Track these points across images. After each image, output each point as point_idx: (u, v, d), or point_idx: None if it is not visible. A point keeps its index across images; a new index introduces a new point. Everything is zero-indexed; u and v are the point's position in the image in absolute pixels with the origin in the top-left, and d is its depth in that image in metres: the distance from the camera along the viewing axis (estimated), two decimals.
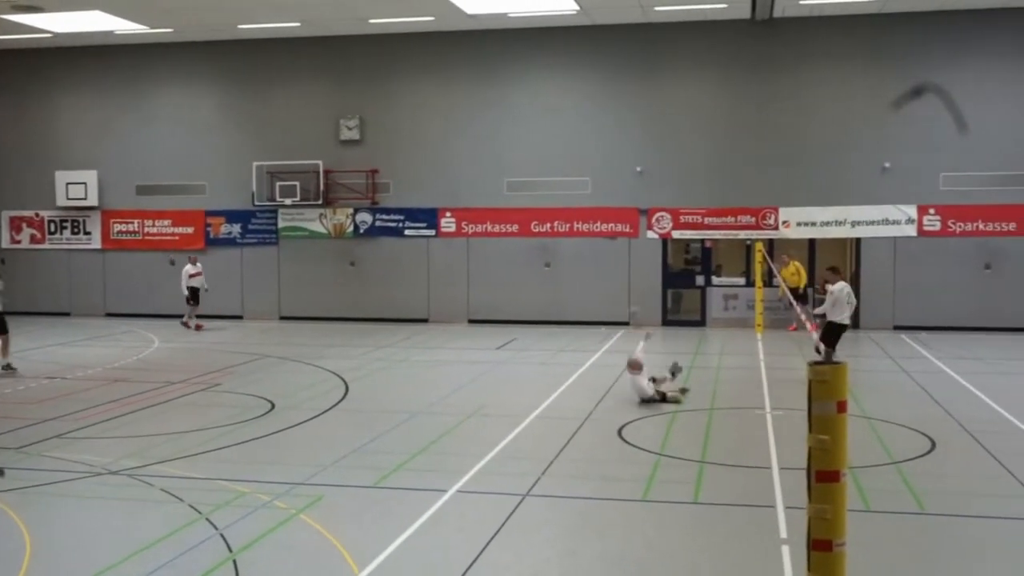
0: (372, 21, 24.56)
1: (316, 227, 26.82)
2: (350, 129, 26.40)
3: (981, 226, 23.64)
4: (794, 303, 21.05)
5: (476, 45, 25.68)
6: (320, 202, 26.34)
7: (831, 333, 16.41)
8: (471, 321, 25.79)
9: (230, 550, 8.34)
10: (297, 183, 26.22)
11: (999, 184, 23.48)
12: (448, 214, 26.08)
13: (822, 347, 15.29)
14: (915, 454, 11.63)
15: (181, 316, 25.23)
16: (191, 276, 24.99)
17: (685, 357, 19.92)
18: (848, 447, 5.12)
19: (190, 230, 27.58)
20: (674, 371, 15.89)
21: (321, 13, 23.84)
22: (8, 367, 17.81)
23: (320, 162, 26.27)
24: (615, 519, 9.35)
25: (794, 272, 23.74)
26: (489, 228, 25.88)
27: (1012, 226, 23.52)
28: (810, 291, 24.18)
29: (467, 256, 25.98)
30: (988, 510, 9.53)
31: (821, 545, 5.03)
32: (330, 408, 14.64)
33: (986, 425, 13.17)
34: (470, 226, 25.97)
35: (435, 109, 26.12)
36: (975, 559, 8.34)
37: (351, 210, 26.59)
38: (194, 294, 24.97)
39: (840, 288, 16.32)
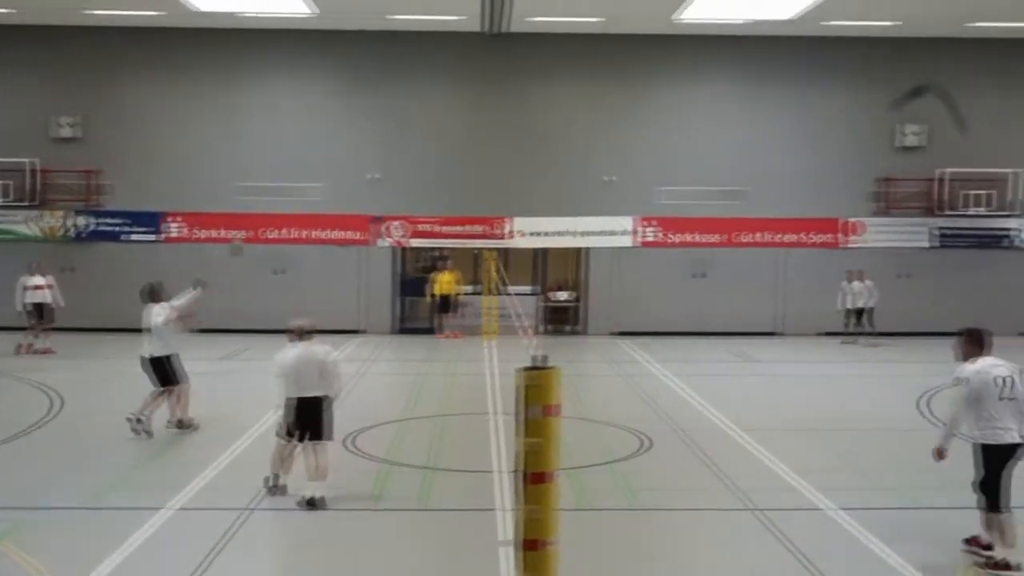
0: (91, 12, 23.11)
1: (25, 230, 24.88)
2: (70, 126, 24.73)
3: (693, 238, 25.33)
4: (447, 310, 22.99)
5: (208, 43, 24.75)
6: (35, 203, 24.49)
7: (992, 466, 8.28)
8: (201, 330, 24.74)
9: None
10: (11, 183, 24.26)
11: (710, 198, 25.21)
12: (178, 218, 24.98)
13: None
14: (630, 453, 12.26)
15: None
16: (32, 289, 20.52)
17: (416, 364, 20.10)
18: (562, 449, 5.30)
19: None
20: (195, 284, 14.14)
21: (36, 0, 22.20)
22: None
23: (35, 160, 24.44)
24: (341, 529, 9.26)
25: (450, 280, 24.47)
26: (221, 234, 25.00)
27: (722, 237, 25.35)
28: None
29: (196, 262, 24.92)
30: (695, 503, 10.19)
31: (532, 545, 5.19)
32: (38, 424, 13.63)
33: (695, 424, 14.08)
34: (200, 231, 24.99)
35: (164, 108, 24.93)
36: (683, 549, 8.88)
37: (69, 212, 24.90)
38: (39, 311, 20.63)
39: (977, 371, 8.34)
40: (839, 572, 8.23)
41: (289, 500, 9.92)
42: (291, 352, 10.15)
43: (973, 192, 25.01)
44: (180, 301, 13.76)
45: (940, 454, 8.34)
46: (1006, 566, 7.99)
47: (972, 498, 8.39)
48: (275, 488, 10.07)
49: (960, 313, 24.79)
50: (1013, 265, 25.55)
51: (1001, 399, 8.13)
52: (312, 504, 9.66)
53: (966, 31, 24.20)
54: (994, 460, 8.14)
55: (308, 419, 9.97)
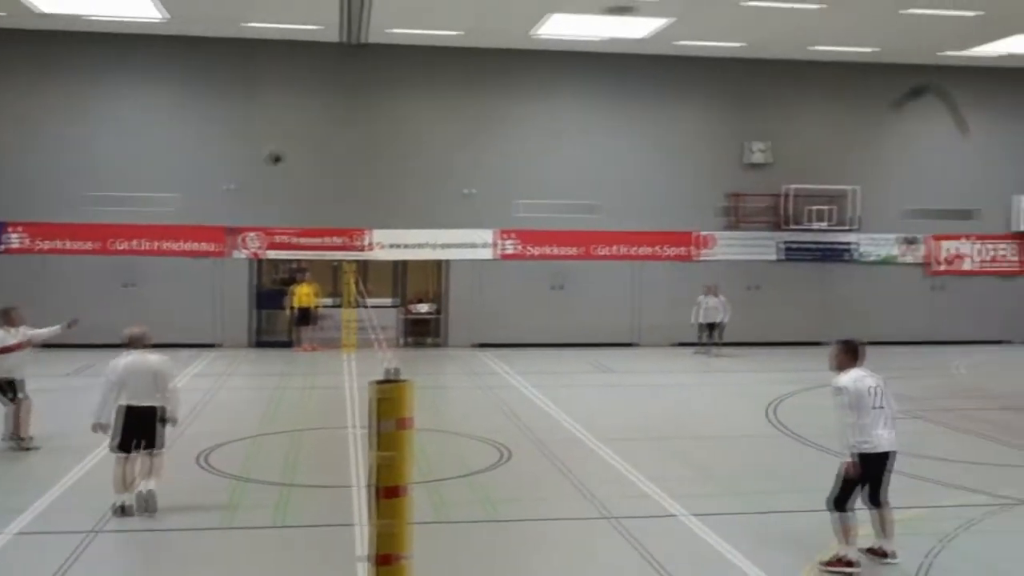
0: None
1: None
2: None
3: (552, 250, 25.68)
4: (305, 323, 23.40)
5: (53, 47, 23.77)
6: None
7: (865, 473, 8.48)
8: (45, 346, 23.66)
9: None
10: None
11: (568, 212, 25.64)
12: (19, 228, 23.89)
13: (835, 514, 8.48)
14: (489, 465, 12.31)
15: None
16: None
17: (273, 378, 19.72)
18: (421, 461, 5.30)
19: None
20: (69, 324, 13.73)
21: None
22: None
23: None
24: (192, 549, 9.01)
25: (308, 293, 24.26)
26: (67, 245, 24.04)
27: (580, 250, 25.77)
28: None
29: (41, 275, 23.86)
30: (553, 513, 10.30)
31: (386, 559, 5.16)
32: None
33: (553, 434, 14.24)
34: (44, 242, 23.96)
35: (5, 113, 23.83)
36: (540, 558, 8.97)
37: None
38: None
39: (853, 380, 8.53)
40: None
41: (137, 521, 9.59)
42: (123, 360, 9.94)
43: (816, 208, 26.22)
44: (40, 331, 13.30)
45: (853, 467, 8.39)
46: (848, 563, 8.34)
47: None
48: (122, 509, 9.72)
49: (805, 324, 26.12)
50: (852, 278, 26.88)
51: (874, 408, 8.41)
52: (145, 500, 9.65)
53: (808, 54, 25.35)
54: (865, 468, 8.37)
55: (140, 429, 9.82)
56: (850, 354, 8.70)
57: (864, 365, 8.68)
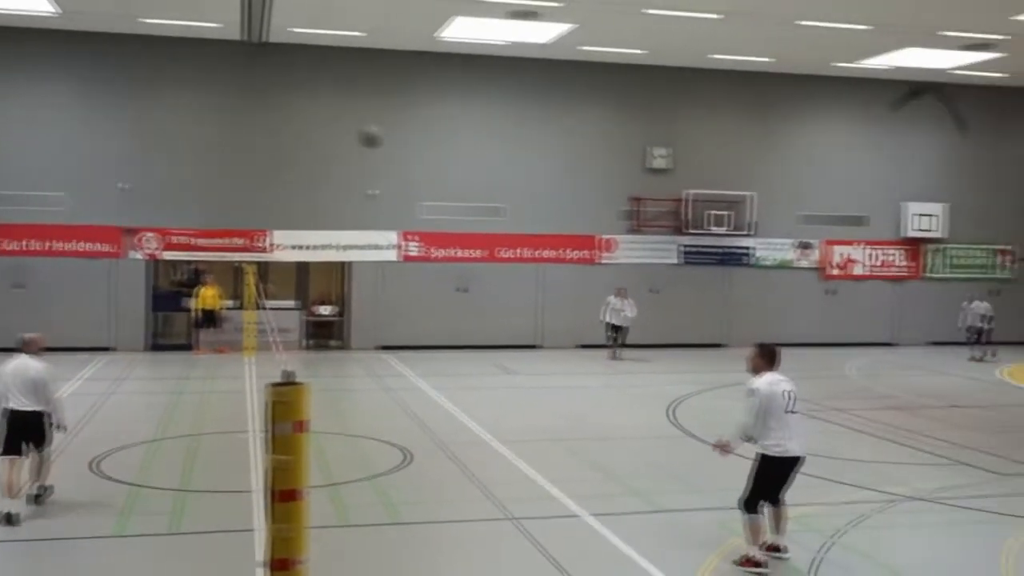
0: None
1: None
2: None
3: (455, 252, 25.67)
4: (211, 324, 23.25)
5: None
6: None
7: (764, 477, 8.63)
8: None
9: None
10: None
11: (471, 214, 25.66)
12: None
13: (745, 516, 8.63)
14: (392, 467, 12.24)
15: None
16: None
17: (171, 382, 19.30)
18: (323, 465, 5.24)
19: None
20: None
21: None
22: None
23: None
24: (83, 560, 8.76)
25: (212, 295, 23.90)
26: None
27: (484, 252, 25.82)
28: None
29: None
30: (456, 515, 10.31)
31: (282, 564, 5.10)
32: None
33: (456, 436, 14.24)
34: None
35: None
36: (442, 560, 8.96)
37: None
38: None
39: (768, 384, 8.64)
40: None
41: (24, 530, 9.29)
42: (8, 365, 9.91)
43: (715, 212, 26.75)
44: None
45: (725, 448, 8.72)
46: (757, 563, 8.52)
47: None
48: (8, 518, 9.41)
49: (705, 327, 26.67)
50: (749, 281, 27.48)
51: (787, 412, 8.53)
52: (38, 498, 9.89)
53: (708, 62, 25.86)
54: (775, 470, 8.56)
55: (26, 432, 9.82)
56: (766, 358, 8.83)
57: (779, 370, 8.84)
